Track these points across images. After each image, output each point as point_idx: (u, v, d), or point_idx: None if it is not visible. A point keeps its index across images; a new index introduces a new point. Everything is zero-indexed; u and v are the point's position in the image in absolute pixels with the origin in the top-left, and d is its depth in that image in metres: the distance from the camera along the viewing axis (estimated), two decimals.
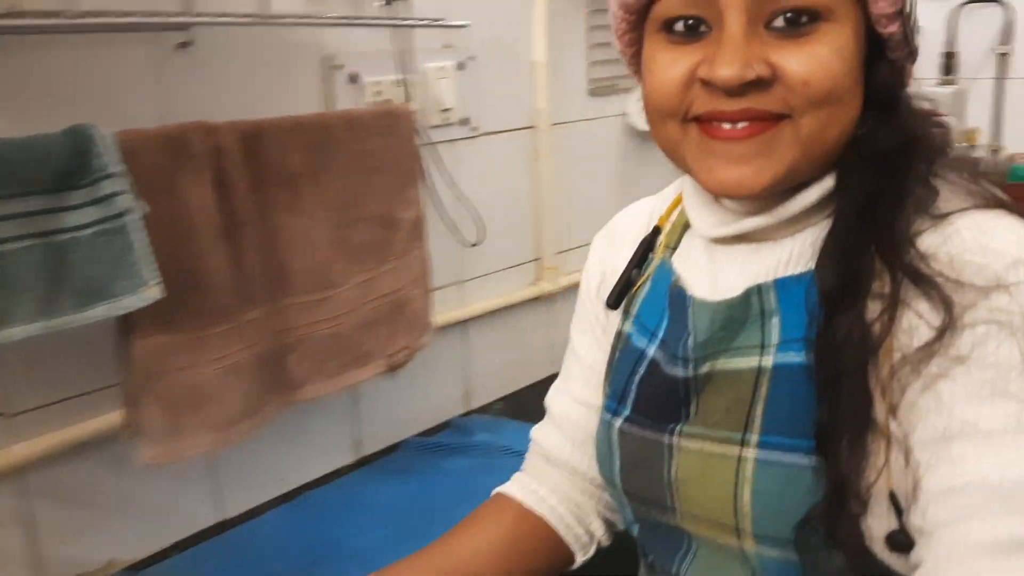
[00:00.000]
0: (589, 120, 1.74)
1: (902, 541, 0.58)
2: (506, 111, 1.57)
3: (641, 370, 0.73)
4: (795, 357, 0.63)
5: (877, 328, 0.60)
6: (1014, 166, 1.94)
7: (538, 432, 0.88)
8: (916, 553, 0.57)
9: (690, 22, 0.63)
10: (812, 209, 0.67)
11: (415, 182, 1.32)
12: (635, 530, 0.77)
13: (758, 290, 0.67)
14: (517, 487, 0.85)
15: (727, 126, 0.63)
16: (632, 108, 1.85)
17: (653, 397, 0.72)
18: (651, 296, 0.76)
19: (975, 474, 0.54)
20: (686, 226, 0.76)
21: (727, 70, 0.60)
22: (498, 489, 0.86)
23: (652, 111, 0.67)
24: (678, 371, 0.70)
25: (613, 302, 0.78)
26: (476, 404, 1.59)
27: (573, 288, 1.80)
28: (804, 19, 0.60)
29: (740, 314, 0.67)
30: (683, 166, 0.69)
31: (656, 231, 0.79)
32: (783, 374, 0.64)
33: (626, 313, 0.78)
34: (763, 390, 0.64)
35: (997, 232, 0.60)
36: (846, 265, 0.62)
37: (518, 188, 1.62)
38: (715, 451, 0.66)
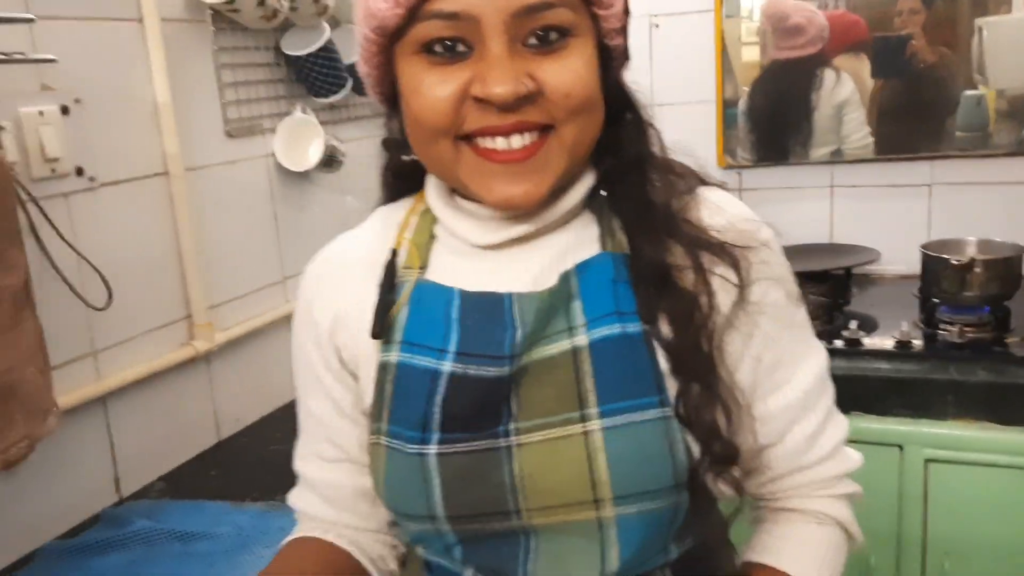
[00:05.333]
0: (231, 163, 1.63)
1: (721, 455, 0.71)
2: (130, 158, 1.41)
3: (441, 389, 0.71)
4: (610, 330, 0.70)
5: (705, 295, 0.71)
6: None
7: (295, 499, 0.86)
8: (759, 460, 0.76)
9: (448, 43, 0.66)
10: (576, 205, 0.74)
11: (16, 243, 1.13)
12: (456, 552, 0.74)
13: (567, 276, 0.72)
14: (308, 532, 0.83)
15: (501, 145, 0.67)
16: (279, 148, 1.76)
17: (465, 410, 0.71)
18: (420, 316, 0.74)
19: (793, 389, 0.75)
20: (428, 243, 0.78)
21: (502, 88, 0.64)
22: (287, 539, 0.83)
23: (422, 131, 0.69)
24: (495, 371, 0.70)
25: (379, 331, 0.75)
26: (130, 489, 1.39)
27: (234, 344, 1.69)
28: (554, 36, 0.67)
29: (557, 301, 0.71)
30: (456, 183, 0.72)
31: (394, 254, 0.78)
32: (602, 348, 0.69)
33: (387, 343, 0.75)
34: (586, 366, 0.69)
35: (735, 203, 0.76)
36: (658, 246, 0.71)
37: (155, 240, 1.46)
38: (559, 435, 0.69)
